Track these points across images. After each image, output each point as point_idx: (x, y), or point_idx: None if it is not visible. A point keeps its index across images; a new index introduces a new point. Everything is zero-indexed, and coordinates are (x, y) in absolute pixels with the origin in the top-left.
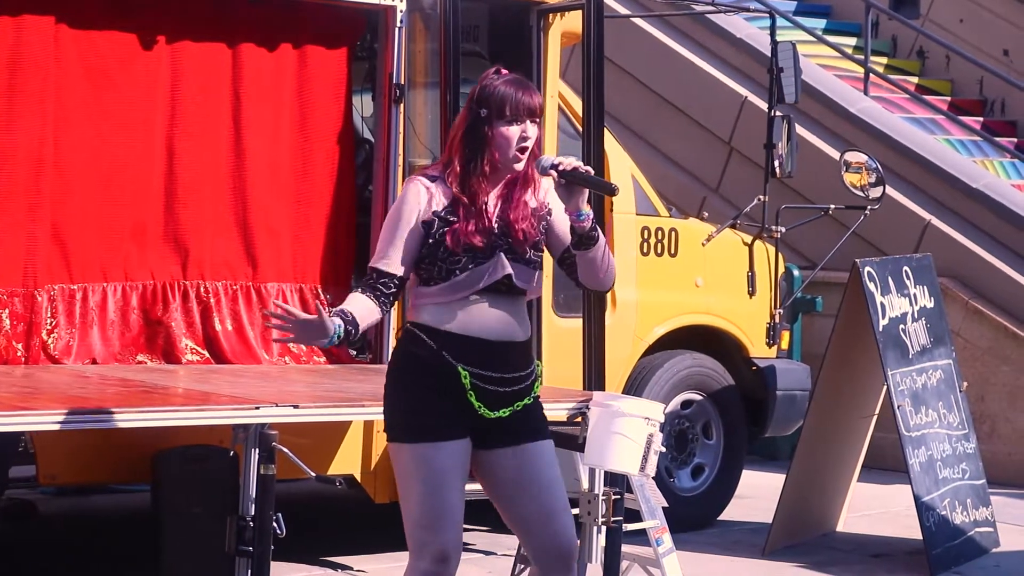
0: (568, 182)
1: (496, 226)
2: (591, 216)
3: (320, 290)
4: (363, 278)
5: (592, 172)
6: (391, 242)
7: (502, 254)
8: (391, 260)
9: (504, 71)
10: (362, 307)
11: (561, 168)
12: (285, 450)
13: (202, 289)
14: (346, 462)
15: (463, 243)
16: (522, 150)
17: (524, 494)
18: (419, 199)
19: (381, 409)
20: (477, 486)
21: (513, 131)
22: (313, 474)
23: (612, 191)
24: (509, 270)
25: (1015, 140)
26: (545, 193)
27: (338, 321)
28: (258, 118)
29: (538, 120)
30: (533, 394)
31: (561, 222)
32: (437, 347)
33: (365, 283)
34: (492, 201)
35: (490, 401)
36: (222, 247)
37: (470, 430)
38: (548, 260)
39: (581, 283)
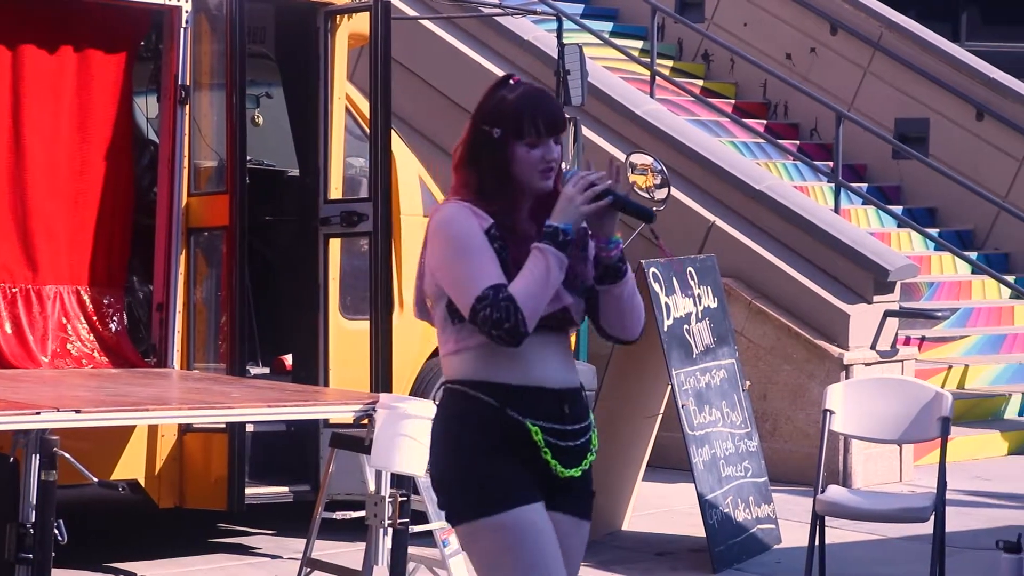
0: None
1: None
2: (621, 245)
3: (94, 292)
4: (481, 309)
5: (626, 192)
6: (479, 258)
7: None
8: (497, 271)
9: (516, 79)
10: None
11: (597, 189)
12: (67, 455)
13: None
14: (130, 467)
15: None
16: (546, 172)
17: None
18: (469, 216)
19: (167, 414)
20: (271, 489)
21: (534, 155)
22: (96, 479)
23: (650, 216)
24: (568, 300)
25: (797, 142)
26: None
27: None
28: (37, 119)
29: (562, 136)
30: (594, 447)
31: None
32: (499, 404)
33: (493, 307)
34: (528, 225)
35: (564, 458)
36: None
37: (542, 494)
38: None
39: (602, 329)
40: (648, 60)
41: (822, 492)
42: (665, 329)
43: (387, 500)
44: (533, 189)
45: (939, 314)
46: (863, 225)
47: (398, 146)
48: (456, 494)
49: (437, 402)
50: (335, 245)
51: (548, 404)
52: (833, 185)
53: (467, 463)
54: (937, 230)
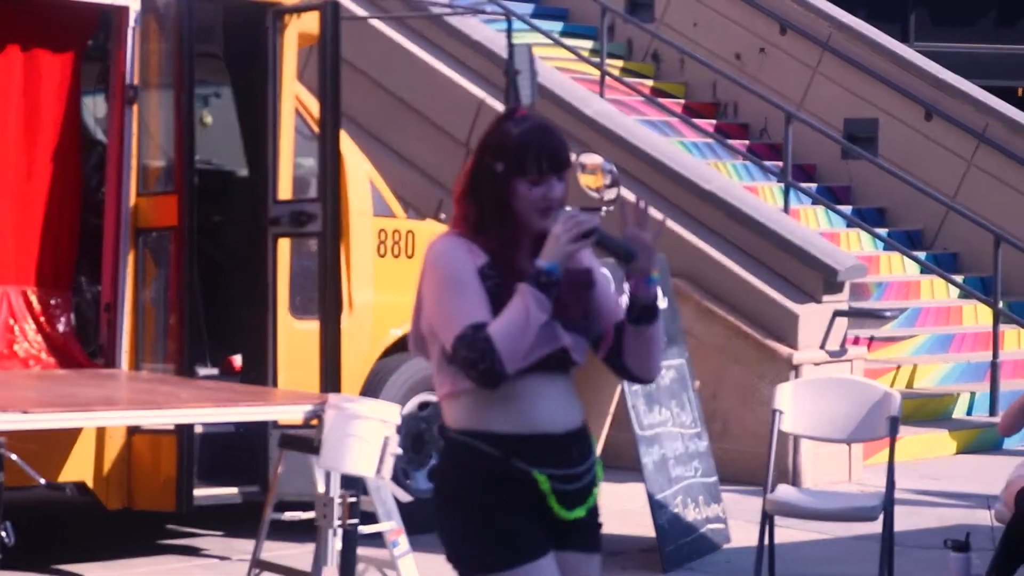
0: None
1: None
2: (659, 283)
3: (41, 293)
4: (459, 348)
5: (596, 229)
6: (465, 296)
7: (554, 322)
8: (482, 310)
9: (523, 112)
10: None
11: (583, 228)
12: (14, 457)
13: None
14: (77, 469)
15: None
16: (546, 211)
17: None
18: (461, 251)
19: (115, 415)
20: (220, 490)
21: (535, 193)
22: (43, 481)
23: (631, 256)
24: (567, 340)
25: (747, 142)
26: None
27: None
28: None
29: (565, 174)
30: (599, 480)
31: (604, 296)
32: (503, 455)
33: (469, 347)
34: (527, 263)
35: (569, 500)
36: None
37: (551, 537)
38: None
39: (626, 368)
40: (598, 60)
41: (772, 492)
42: None
43: (336, 501)
44: (532, 227)
45: (888, 314)
46: (812, 225)
47: (347, 146)
48: (463, 548)
49: (383, 399)
50: (284, 245)
51: (554, 450)
52: (782, 185)
53: (473, 517)
54: (886, 230)
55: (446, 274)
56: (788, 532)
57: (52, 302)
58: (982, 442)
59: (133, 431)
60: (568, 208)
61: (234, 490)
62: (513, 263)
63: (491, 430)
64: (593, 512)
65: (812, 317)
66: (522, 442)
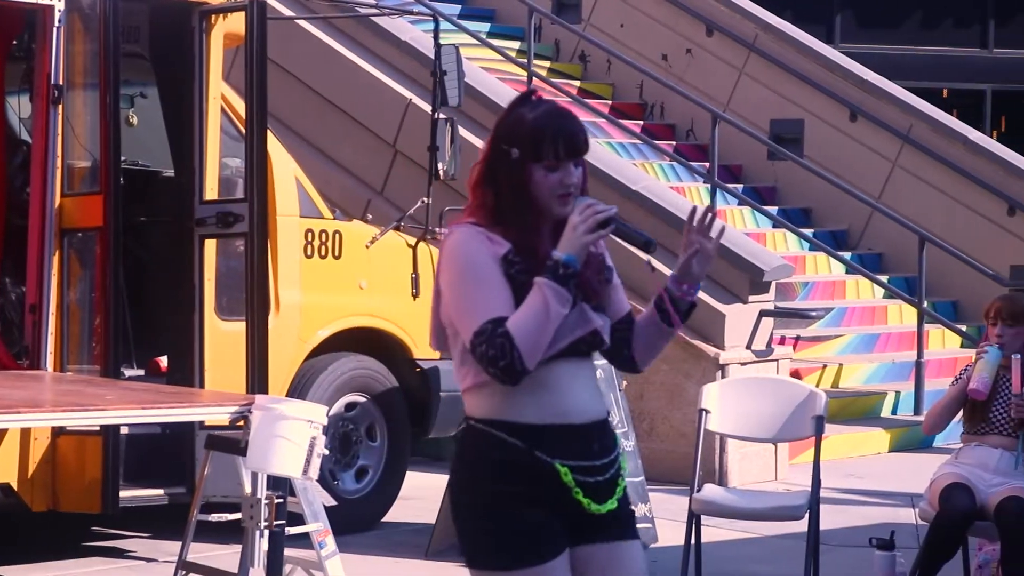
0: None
1: None
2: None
3: None
4: (478, 344)
5: (614, 218)
6: (484, 289)
7: (584, 304)
8: (502, 303)
9: (539, 96)
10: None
11: (600, 216)
12: None
13: None
14: (2, 470)
15: None
16: (564, 197)
17: None
18: (480, 241)
19: (40, 417)
20: (146, 491)
21: (552, 178)
22: None
23: (649, 246)
24: (598, 322)
25: (674, 143)
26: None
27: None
28: None
29: (582, 158)
30: (625, 473)
31: (617, 289)
32: (527, 446)
33: (489, 343)
34: (550, 248)
35: (596, 494)
36: None
37: (568, 531)
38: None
39: (633, 360)
40: (525, 61)
41: (698, 491)
42: None
43: (263, 502)
44: (551, 214)
45: (814, 314)
46: (739, 225)
47: (274, 146)
48: (478, 542)
49: (325, 410)
50: (211, 246)
51: (577, 441)
52: (709, 186)
53: (490, 511)
54: (812, 230)
55: (464, 266)
56: (715, 531)
57: None
58: (907, 441)
59: (58, 432)
60: (585, 197)
61: (160, 491)
62: (536, 250)
63: (516, 420)
64: (624, 501)
65: (738, 317)
66: (543, 432)
